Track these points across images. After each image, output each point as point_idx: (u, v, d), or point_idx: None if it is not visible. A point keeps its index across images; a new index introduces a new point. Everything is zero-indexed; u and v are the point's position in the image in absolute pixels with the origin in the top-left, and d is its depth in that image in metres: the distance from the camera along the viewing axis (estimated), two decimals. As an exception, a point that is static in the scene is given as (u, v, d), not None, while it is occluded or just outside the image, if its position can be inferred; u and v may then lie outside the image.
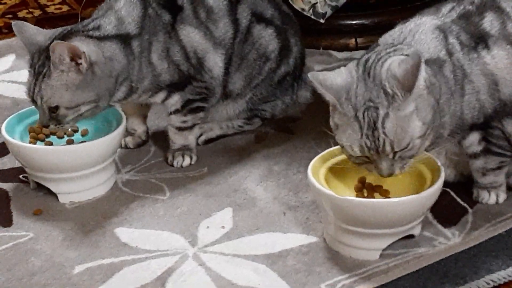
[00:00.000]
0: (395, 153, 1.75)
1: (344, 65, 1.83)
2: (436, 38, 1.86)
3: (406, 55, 1.78)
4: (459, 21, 1.90)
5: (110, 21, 2.07)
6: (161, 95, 2.17)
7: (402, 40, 1.84)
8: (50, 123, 2.03)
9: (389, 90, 1.72)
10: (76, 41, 2.00)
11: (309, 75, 1.77)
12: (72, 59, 1.97)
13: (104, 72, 2.02)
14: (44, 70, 1.99)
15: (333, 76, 1.78)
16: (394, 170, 1.77)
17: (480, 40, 1.88)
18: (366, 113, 1.73)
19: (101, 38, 2.05)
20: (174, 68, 2.13)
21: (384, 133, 1.73)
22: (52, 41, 1.99)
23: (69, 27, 2.06)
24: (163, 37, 2.12)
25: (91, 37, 2.04)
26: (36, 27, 2.07)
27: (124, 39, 2.07)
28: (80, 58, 1.97)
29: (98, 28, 2.06)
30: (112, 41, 2.06)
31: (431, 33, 1.86)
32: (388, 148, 1.74)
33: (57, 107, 2.01)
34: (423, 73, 1.73)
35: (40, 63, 2.00)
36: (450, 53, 1.85)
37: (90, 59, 1.98)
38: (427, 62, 1.80)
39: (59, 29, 2.06)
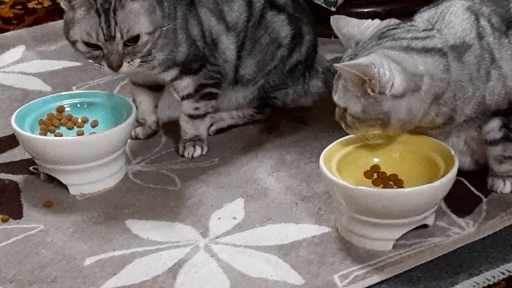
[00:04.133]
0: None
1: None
2: (467, 19, 1.84)
3: (427, 49, 1.78)
4: (489, 3, 1.88)
5: None
6: (172, 73, 2.15)
7: (435, 22, 1.84)
8: (124, 60, 1.97)
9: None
10: None
11: (332, 18, 1.84)
12: None
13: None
14: (112, 5, 1.94)
15: (352, 25, 1.84)
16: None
17: (510, 24, 1.86)
18: None
19: None
20: (191, 42, 2.12)
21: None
22: None
23: None
24: (184, 8, 2.11)
25: None
26: None
27: None
28: None
29: None
30: None
31: (462, 14, 1.84)
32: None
33: (138, 37, 1.97)
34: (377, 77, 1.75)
35: (102, 1, 1.95)
36: (480, 36, 1.83)
37: None
38: (450, 49, 1.80)
39: None
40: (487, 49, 1.84)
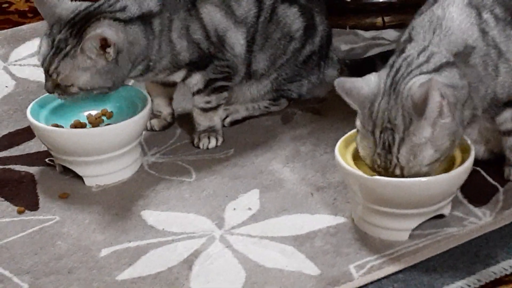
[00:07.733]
0: (403, 175, 1.75)
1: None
2: (468, 17, 1.80)
3: (438, 67, 1.74)
4: None
5: (134, 1, 2.05)
6: (180, 74, 2.15)
7: (433, 33, 1.79)
8: (55, 91, 2.04)
9: (406, 111, 1.70)
10: (105, 26, 1.97)
11: (336, 82, 1.77)
12: (101, 47, 1.96)
13: (125, 59, 2.01)
14: (67, 48, 1.98)
15: (360, 85, 1.76)
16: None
17: None
18: (383, 134, 1.73)
19: (127, 22, 2.02)
20: (194, 46, 2.11)
21: (397, 158, 1.72)
22: (76, 15, 1.99)
23: (95, 4, 2.03)
24: (183, 14, 2.10)
25: (118, 20, 2.01)
26: None
27: (146, 18, 2.05)
28: (109, 47, 1.96)
29: (124, 9, 2.04)
30: (136, 23, 2.04)
31: (460, 15, 1.80)
32: (397, 172, 1.74)
33: (71, 85, 2.01)
34: (442, 100, 1.68)
35: (62, 37, 1.99)
36: (483, 32, 1.81)
37: (118, 48, 1.97)
38: (455, 57, 1.77)
39: (84, 4, 2.03)
40: (493, 45, 1.81)
